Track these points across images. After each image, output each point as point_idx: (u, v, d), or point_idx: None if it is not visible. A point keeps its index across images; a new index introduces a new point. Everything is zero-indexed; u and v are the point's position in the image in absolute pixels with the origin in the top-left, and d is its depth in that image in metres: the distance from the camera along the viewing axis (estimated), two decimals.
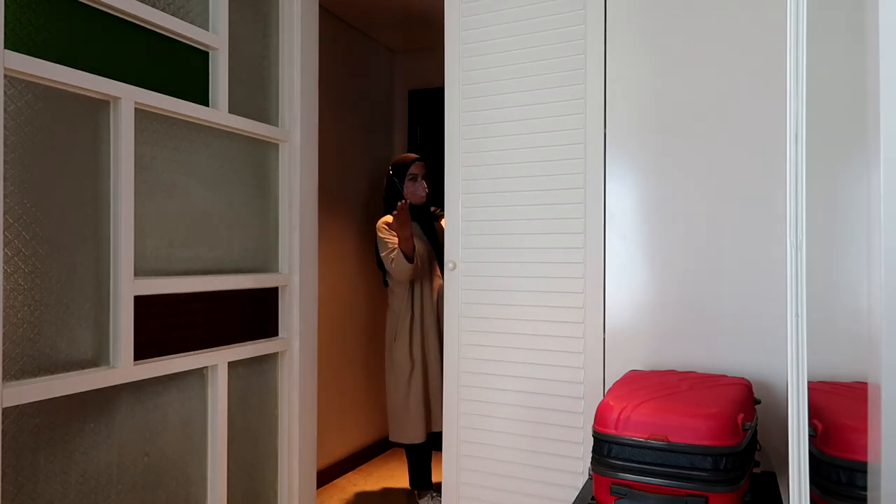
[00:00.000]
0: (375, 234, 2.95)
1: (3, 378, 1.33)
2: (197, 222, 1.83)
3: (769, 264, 1.64)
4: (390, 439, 2.94)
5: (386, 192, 3.08)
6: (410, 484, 3.07)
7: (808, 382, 0.91)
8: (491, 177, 2.00)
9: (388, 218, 2.92)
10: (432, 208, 3.07)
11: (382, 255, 2.86)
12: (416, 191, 2.97)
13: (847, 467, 1.07)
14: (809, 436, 0.95)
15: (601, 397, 1.73)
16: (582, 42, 1.86)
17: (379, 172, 4.04)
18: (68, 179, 1.49)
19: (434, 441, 2.95)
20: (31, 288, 1.41)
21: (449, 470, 2.06)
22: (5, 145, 1.34)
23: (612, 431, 1.26)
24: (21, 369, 1.39)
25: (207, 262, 1.86)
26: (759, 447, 1.41)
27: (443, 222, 3.08)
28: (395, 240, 2.85)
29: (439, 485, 3.02)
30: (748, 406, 1.35)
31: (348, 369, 3.70)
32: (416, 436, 2.85)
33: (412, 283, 2.91)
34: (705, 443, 1.19)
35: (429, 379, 2.90)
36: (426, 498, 3.03)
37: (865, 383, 0.72)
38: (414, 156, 3.03)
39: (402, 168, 2.99)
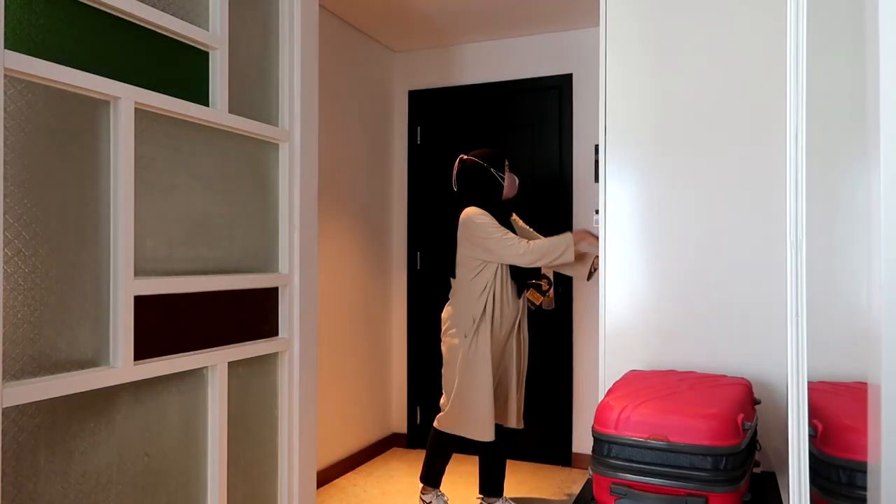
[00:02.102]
0: (464, 223, 2.78)
1: (3, 378, 1.33)
2: (197, 222, 1.83)
3: (769, 264, 1.64)
4: (457, 433, 2.81)
5: (481, 183, 2.87)
6: (421, 478, 2.98)
7: (808, 382, 0.91)
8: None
9: (481, 211, 2.79)
10: None
11: (496, 236, 2.69)
12: (513, 183, 2.90)
13: (847, 467, 1.06)
14: (809, 436, 0.95)
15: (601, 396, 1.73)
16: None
17: (379, 172, 4.03)
18: (68, 179, 1.48)
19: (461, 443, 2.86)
20: (31, 288, 1.41)
21: None
22: (5, 145, 1.34)
23: (611, 431, 1.26)
24: (21, 369, 1.39)
25: (207, 261, 1.86)
26: (759, 447, 1.41)
27: (514, 218, 3.05)
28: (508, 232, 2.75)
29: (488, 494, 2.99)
30: (748, 406, 1.35)
31: (349, 369, 3.70)
32: (490, 433, 2.73)
33: (498, 278, 2.78)
34: (705, 443, 1.19)
35: (497, 376, 2.82)
36: (431, 495, 2.99)
37: (865, 383, 0.72)
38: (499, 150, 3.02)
39: (500, 160, 2.88)
